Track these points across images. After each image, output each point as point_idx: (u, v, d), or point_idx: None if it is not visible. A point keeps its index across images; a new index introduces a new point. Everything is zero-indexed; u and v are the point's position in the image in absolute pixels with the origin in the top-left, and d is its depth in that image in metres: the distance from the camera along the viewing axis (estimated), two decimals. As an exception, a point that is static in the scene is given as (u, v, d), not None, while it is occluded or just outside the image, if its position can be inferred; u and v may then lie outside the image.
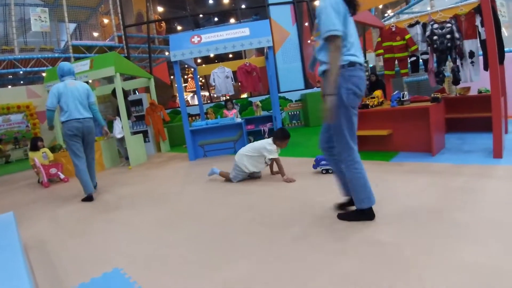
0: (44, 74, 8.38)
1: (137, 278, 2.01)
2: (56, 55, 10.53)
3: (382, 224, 2.30)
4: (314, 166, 3.88)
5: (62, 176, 5.88)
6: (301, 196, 3.20)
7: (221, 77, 7.97)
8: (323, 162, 3.78)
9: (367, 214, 2.37)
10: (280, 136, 3.79)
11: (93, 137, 4.48)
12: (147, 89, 9.13)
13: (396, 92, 4.44)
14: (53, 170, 5.78)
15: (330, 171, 3.69)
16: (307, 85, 10.45)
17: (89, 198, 4.18)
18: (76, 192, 4.83)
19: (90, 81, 8.40)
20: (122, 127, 6.55)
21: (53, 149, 6.47)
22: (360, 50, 2.32)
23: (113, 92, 6.79)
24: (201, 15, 15.39)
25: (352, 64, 2.23)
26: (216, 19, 15.94)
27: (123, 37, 11.34)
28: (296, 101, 9.74)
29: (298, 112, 9.74)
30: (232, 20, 14.61)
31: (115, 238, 2.79)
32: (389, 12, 14.59)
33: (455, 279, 1.56)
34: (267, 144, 3.81)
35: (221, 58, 15.09)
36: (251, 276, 1.86)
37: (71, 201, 4.30)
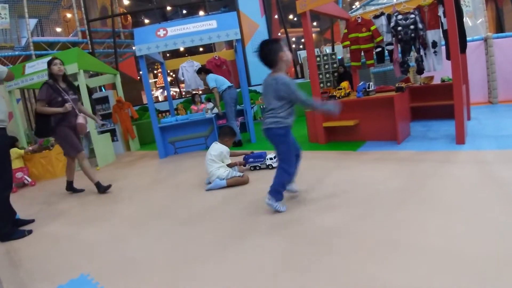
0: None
1: (105, 283, 1.96)
2: (17, 53, 10.00)
3: (348, 211, 2.35)
4: (245, 164, 4.05)
5: (29, 179, 5.67)
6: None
7: (190, 71, 7.82)
8: (250, 160, 4.00)
9: None
10: (223, 135, 3.74)
11: None
12: (114, 86, 8.84)
13: (362, 83, 4.51)
14: (19, 174, 5.53)
15: (258, 168, 3.99)
16: (278, 78, 10.47)
17: None
18: (43, 197, 4.65)
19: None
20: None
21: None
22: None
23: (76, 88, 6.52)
24: (168, 8, 15.03)
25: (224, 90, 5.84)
26: (184, 11, 15.62)
27: (87, 32, 10.90)
28: (267, 94, 9.74)
29: (270, 105, 9.74)
30: (201, 13, 14.36)
31: (81, 243, 2.70)
32: (357, 4, 14.81)
33: (417, 264, 1.61)
34: (222, 148, 3.66)
35: (191, 51, 14.83)
36: (221, 276, 1.84)
37: (35, 206, 4.13)
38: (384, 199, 2.48)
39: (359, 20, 5.48)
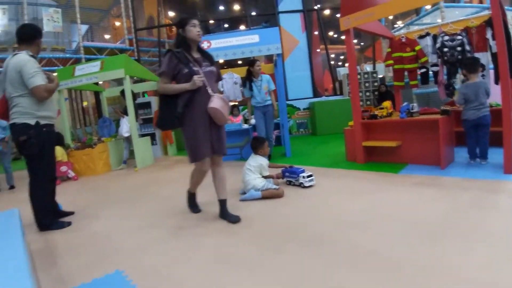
0: (54, 74, 8.49)
1: (138, 281, 1.99)
2: (68, 55, 10.64)
3: (386, 235, 2.27)
4: (282, 177, 4.01)
5: (72, 174, 6.01)
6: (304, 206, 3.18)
7: (230, 82, 7.96)
8: (287, 174, 3.94)
9: None
10: (260, 145, 3.75)
11: None
12: (156, 92, 9.18)
13: (406, 103, 4.40)
14: (63, 168, 5.88)
15: (292, 184, 3.89)
16: (315, 94, 10.43)
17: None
18: (84, 191, 4.85)
19: (100, 82, 8.49)
20: (130, 127, 6.59)
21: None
22: None
23: (122, 92, 6.85)
24: (211, 21, 15.50)
25: None
26: (226, 25, 16.05)
27: (134, 40, 11.45)
28: (304, 109, 9.72)
29: (305, 120, 9.71)
30: (242, 27, 14.69)
31: (119, 239, 2.78)
32: (399, 23, 14.60)
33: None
34: (262, 161, 3.72)
35: (230, 64, 15.17)
36: (256, 286, 1.83)
37: (77, 199, 4.32)
38: (425, 226, 2.36)
39: (403, 39, 5.39)
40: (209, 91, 2.72)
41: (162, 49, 12.28)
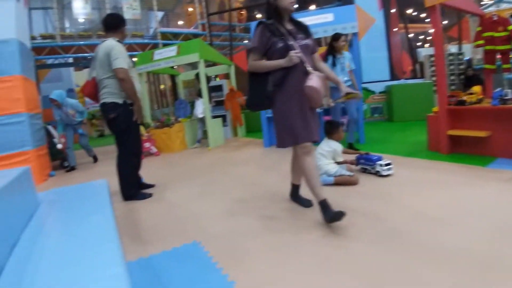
0: (134, 59, 9.13)
1: (214, 253, 2.13)
2: (146, 41, 11.37)
3: (474, 234, 2.08)
4: (357, 164, 3.82)
5: (154, 150, 6.65)
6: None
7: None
8: (361, 161, 3.75)
9: None
10: (335, 130, 3.56)
11: None
12: (227, 76, 9.44)
13: (499, 89, 3.93)
14: (146, 144, 6.46)
15: (367, 171, 3.69)
16: (393, 76, 9.73)
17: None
18: (164, 166, 5.27)
19: (175, 66, 8.98)
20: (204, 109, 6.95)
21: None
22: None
23: (197, 75, 7.20)
24: (282, 3, 15.30)
25: None
26: (296, 5, 15.73)
27: (206, 25, 11.78)
28: (380, 93, 9.14)
29: (381, 105, 9.15)
30: (312, 7, 14.28)
31: (195, 213, 2.98)
32: (487, 0, 13.03)
33: None
34: (336, 146, 3.55)
35: (300, 46, 14.92)
36: (328, 273, 1.84)
37: (158, 173, 4.70)
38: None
39: (495, 18, 4.84)
40: (308, 67, 2.36)
41: (232, 33, 12.48)
